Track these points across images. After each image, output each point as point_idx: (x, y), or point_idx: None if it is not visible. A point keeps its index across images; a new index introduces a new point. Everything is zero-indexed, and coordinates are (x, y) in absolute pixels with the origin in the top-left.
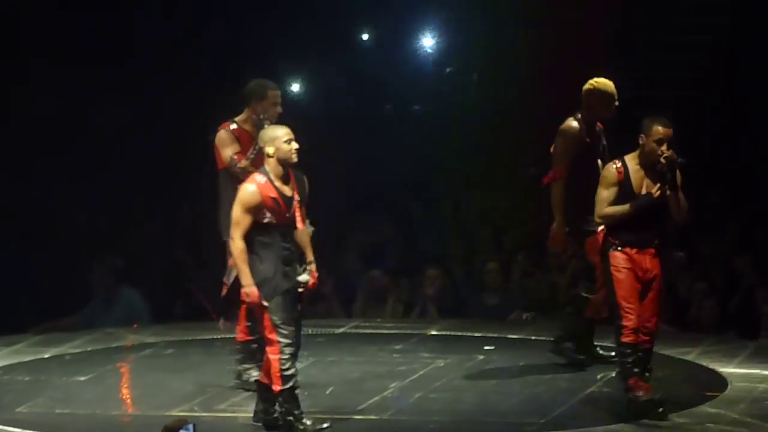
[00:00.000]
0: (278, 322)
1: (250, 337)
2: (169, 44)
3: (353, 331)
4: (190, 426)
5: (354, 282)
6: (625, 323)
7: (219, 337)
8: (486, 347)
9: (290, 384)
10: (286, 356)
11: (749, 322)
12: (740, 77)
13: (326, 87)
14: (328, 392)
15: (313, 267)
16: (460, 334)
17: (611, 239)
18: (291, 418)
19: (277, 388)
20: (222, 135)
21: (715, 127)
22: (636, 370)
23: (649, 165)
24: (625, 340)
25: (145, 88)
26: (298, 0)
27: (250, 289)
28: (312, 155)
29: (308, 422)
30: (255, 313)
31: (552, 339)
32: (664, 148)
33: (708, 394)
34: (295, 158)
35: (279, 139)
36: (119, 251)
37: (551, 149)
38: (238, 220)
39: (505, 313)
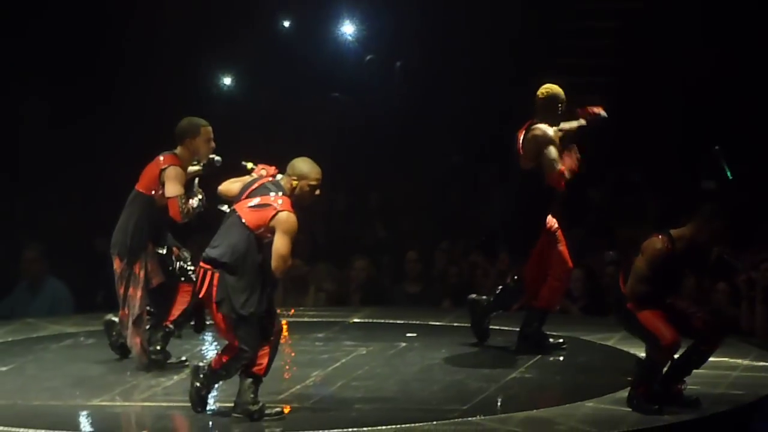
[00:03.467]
0: (243, 339)
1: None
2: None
3: None
4: None
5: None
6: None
7: None
8: (408, 334)
9: (222, 376)
10: (244, 359)
11: None
12: (655, 60)
13: (249, 76)
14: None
15: None
16: (382, 321)
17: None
18: (201, 389)
19: (216, 364)
20: (177, 171)
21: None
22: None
23: (697, 251)
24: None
25: (59, 79)
26: None
27: None
28: (235, 145)
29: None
30: (217, 320)
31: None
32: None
33: (629, 379)
34: (306, 205)
35: (309, 180)
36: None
37: (526, 158)
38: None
39: (426, 302)
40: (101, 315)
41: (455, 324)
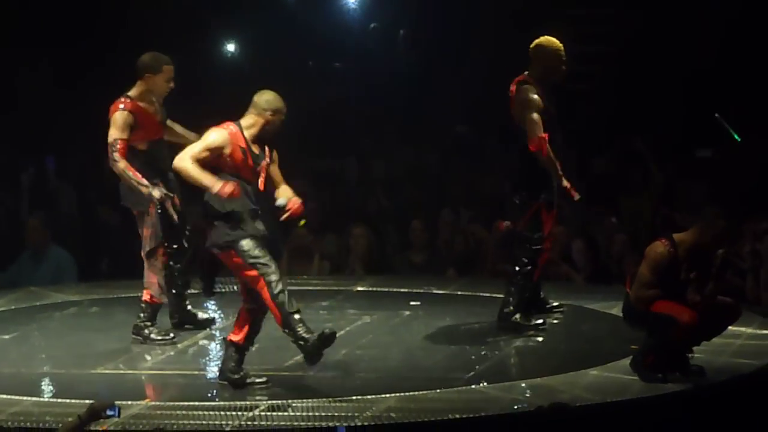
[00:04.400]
0: (251, 259)
1: (159, 300)
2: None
3: None
4: (116, 408)
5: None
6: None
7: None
8: (412, 302)
9: (287, 309)
10: (273, 281)
11: None
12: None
13: (253, 44)
14: (254, 349)
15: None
16: (386, 290)
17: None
18: (302, 341)
19: (279, 320)
20: (122, 116)
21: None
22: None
23: (700, 254)
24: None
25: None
26: None
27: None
28: (239, 113)
29: (313, 337)
30: (230, 264)
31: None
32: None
33: (633, 347)
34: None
35: (282, 114)
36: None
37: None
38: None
39: (431, 271)
40: (105, 283)
41: (459, 293)
